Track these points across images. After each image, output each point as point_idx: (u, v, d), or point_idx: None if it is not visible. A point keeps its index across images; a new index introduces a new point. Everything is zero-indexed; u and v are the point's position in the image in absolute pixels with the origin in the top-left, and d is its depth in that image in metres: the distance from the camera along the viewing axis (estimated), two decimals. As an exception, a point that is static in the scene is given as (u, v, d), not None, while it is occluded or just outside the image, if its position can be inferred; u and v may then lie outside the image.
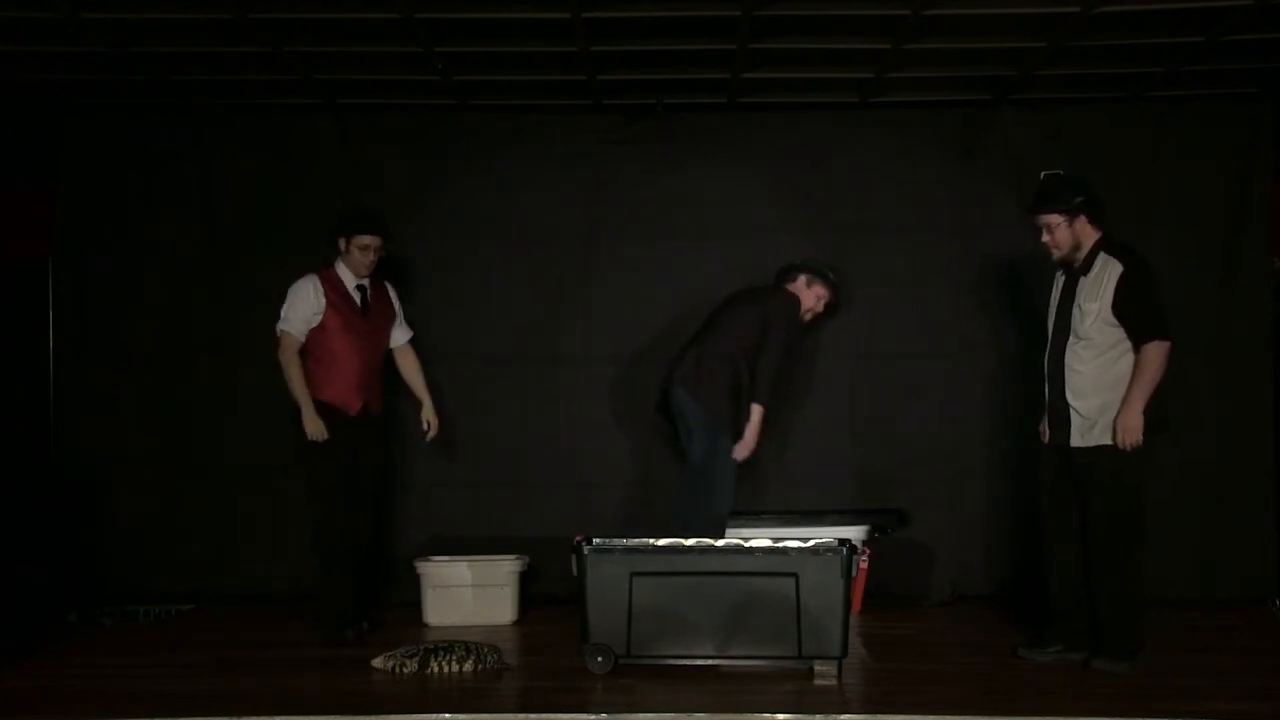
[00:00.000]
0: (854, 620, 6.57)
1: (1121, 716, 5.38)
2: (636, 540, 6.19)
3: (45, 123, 8.46)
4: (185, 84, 8.00)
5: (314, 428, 7.00)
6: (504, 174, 8.40)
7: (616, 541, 6.17)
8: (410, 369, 7.47)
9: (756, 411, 7.37)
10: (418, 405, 7.44)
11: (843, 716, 5.37)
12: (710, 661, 6.10)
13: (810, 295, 7.71)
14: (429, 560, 7.57)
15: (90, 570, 8.31)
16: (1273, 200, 8.27)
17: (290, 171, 8.47)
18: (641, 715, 5.42)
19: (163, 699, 5.68)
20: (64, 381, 8.46)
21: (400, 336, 7.44)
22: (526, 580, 7.70)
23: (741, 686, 5.88)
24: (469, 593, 7.46)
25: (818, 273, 7.72)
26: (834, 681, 5.95)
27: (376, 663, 6.24)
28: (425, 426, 7.42)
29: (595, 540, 6.16)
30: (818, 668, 6.01)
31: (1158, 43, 7.32)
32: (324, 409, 7.04)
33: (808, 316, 7.73)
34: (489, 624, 7.39)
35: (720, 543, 6.19)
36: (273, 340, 7.11)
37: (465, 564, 7.51)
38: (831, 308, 7.86)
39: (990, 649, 6.70)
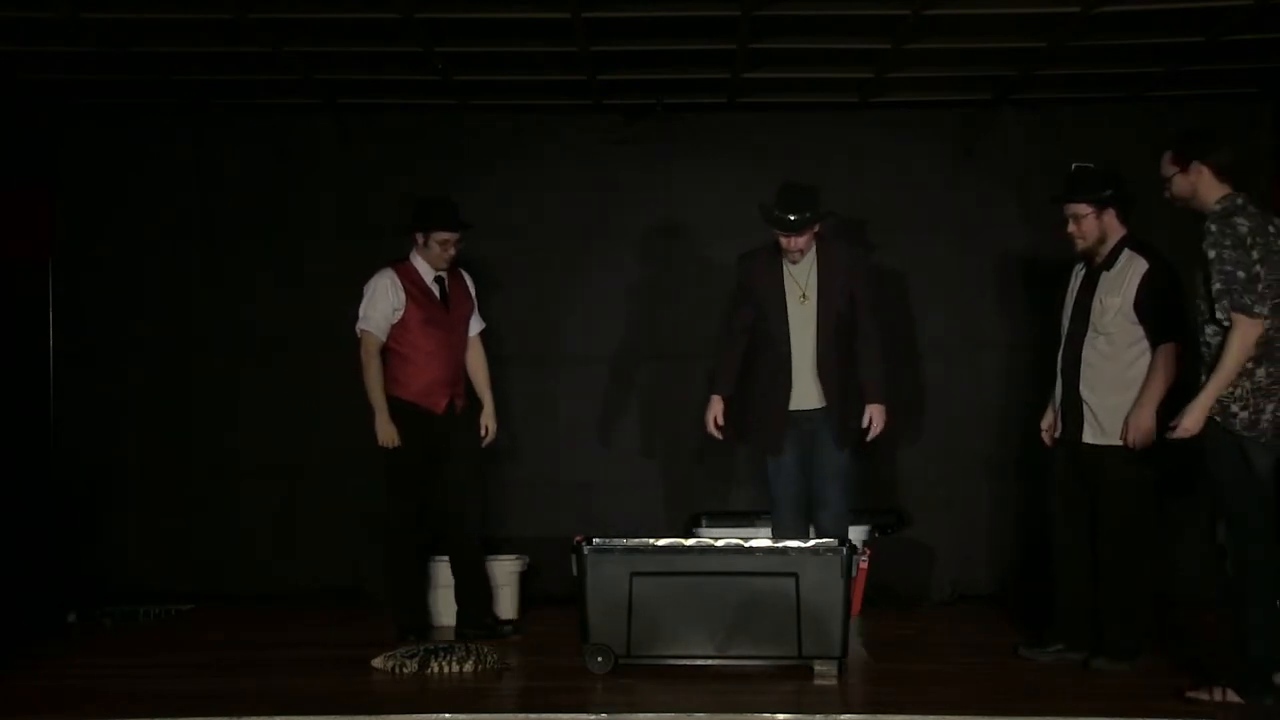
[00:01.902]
0: (854, 620, 6.56)
1: (1121, 716, 5.38)
2: (636, 540, 6.19)
3: (45, 123, 8.46)
4: (185, 84, 8.00)
5: (386, 434, 6.86)
6: (504, 174, 8.40)
7: (616, 541, 6.17)
8: (476, 364, 7.21)
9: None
10: (477, 406, 7.20)
11: (843, 716, 5.36)
12: (710, 661, 6.10)
13: (782, 243, 6.79)
14: (429, 560, 7.55)
15: (90, 570, 8.31)
16: (1273, 200, 8.27)
17: (290, 171, 8.47)
18: (641, 715, 5.42)
19: (163, 699, 5.68)
20: (64, 381, 8.46)
21: (472, 328, 7.22)
22: (526, 580, 7.69)
23: (741, 686, 5.87)
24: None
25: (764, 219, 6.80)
26: (834, 681, 5.94)
27: (376, 663, 6.23)
28: (483, 431, 7.19)
29: (595, 540, 6.16)
30: (818, 668, 6.01)
31: (1158, 43, 7.32)
32: (408, 409, 6.89)
33: (797, 258, 6.76)
34: (489, 624, 7.39)
35: (720, 543, 6.19)
36: (356, 340, 6.98)
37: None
38: (792, 227, 6.68)
39: (990, 649, 6.70)
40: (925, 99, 8.31)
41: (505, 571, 7.53)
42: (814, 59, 7.64)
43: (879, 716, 5.37)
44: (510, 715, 5.50)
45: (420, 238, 6.96)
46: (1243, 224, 5.38)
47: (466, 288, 7.21)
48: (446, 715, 5.40)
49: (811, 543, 6.12)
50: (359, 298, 8.03)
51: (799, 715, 5.37)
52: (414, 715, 5.41)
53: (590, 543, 6.14)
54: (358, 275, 8.29)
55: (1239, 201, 5.47)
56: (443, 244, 6.94)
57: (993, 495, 8.32)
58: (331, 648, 6.78)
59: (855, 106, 8.38)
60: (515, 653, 6.51)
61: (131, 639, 7.38)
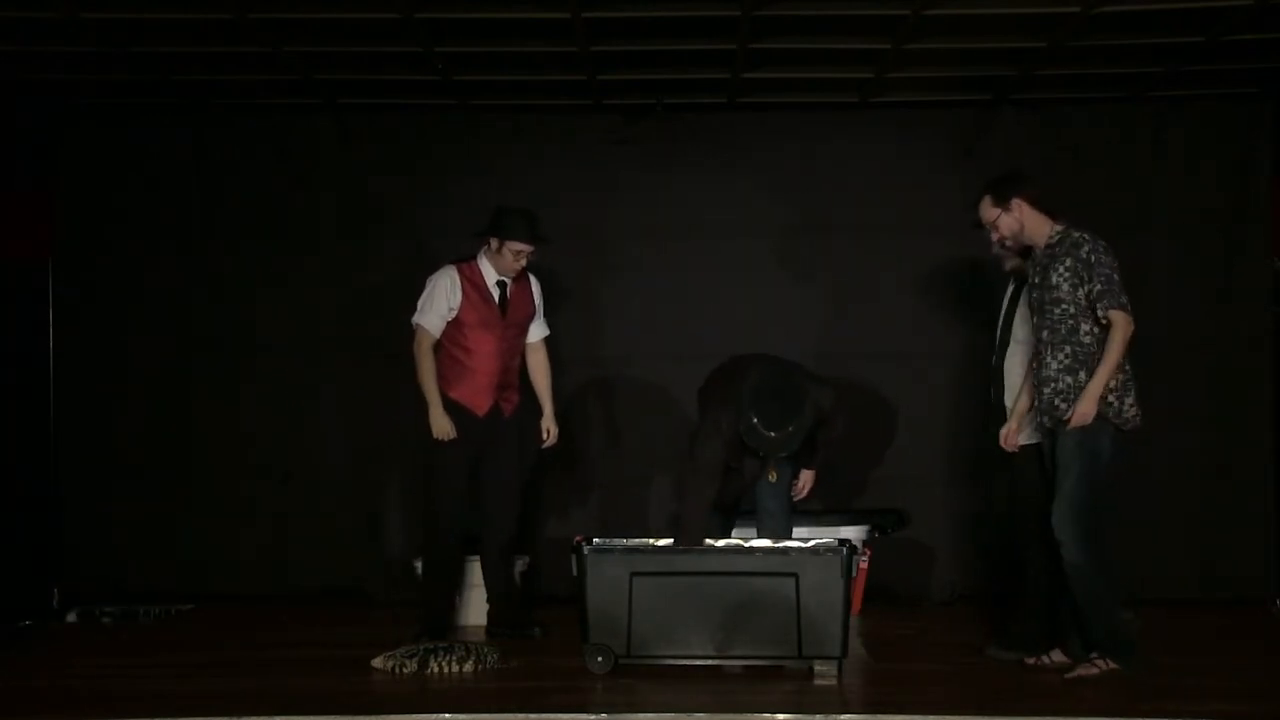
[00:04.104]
0: (854, 620, 6.57)
1: (1121, 716, 5.38)
2: (636, 540, 6.20)
3: (45, 123, 8.46)
4: (185, 84, 8.00)
5: (440, 426, 6.85)
6: (504, 174, 8.39)
7: (616, 541, 6.18)
8: (537, 367, 7.21)
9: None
10: (531, 410, 7.20)
11: (843, 716, 5.37)
12: (710, 661, 6.10)
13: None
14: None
15: (90, 570, 8.31)
16: (1272, 200, 8.28)
17: (290, 171, 8.47)
18: (641, 715, 5.42)
19: (163, 699, 5.68)
20: (64, 381, 8.46)
21: (535, 333, 7.20)
22: (527, 580, 7.69)
23: (741, 686, 5.88)
24: (469, 593, 7.44)
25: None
26: (834, 681, 5.95)
27: (376, 663, 6.24)
28: (544, 435, 7.21)
29: (595, 540, 6.17)
30: (818, 668, 6.01)
31: (1158, 43, 7.32)
32: (453, 407, 6.90)
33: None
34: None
35: (720, 543, 6.20)
36: (410, 334, 6.98)
37: (465, 564, 7.48)
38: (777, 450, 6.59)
39: (990, 649, 6.70)
40: (925, 99, 8.31)
41: (505, 571, 7.53)
42: (814, 59, 7.64)
43: (879, 716, 5.38)
44: (510, 715, 5.50)
45: (494, 243, 6.93)
46: (1098, 240, 5.92)
47: (531, 294, 7.19)
48: (446, 715, 5.41)
49: (811, 543, 6.13)
50: (359, 298, 8.06)
51: (799, 715, 5.38)
52: (414, 715, 5.42)
53: (590, 543, 6.15)
54: (357, 275, 8.33)
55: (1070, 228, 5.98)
56: (515, 254, 6.92)
57: (993, 494, 8.29)
58: (331, 648, 6.79)
59: (855, 106, 8.38)
60: (515, 653, 6.51)
61: (131, 639, 7.39)
